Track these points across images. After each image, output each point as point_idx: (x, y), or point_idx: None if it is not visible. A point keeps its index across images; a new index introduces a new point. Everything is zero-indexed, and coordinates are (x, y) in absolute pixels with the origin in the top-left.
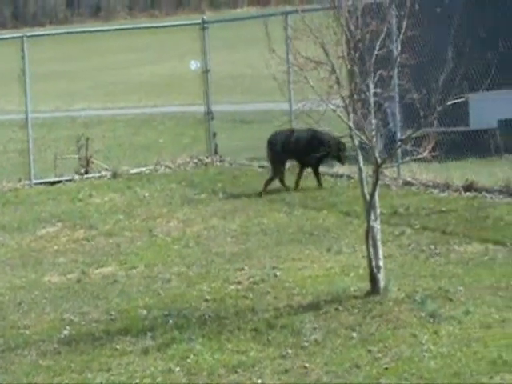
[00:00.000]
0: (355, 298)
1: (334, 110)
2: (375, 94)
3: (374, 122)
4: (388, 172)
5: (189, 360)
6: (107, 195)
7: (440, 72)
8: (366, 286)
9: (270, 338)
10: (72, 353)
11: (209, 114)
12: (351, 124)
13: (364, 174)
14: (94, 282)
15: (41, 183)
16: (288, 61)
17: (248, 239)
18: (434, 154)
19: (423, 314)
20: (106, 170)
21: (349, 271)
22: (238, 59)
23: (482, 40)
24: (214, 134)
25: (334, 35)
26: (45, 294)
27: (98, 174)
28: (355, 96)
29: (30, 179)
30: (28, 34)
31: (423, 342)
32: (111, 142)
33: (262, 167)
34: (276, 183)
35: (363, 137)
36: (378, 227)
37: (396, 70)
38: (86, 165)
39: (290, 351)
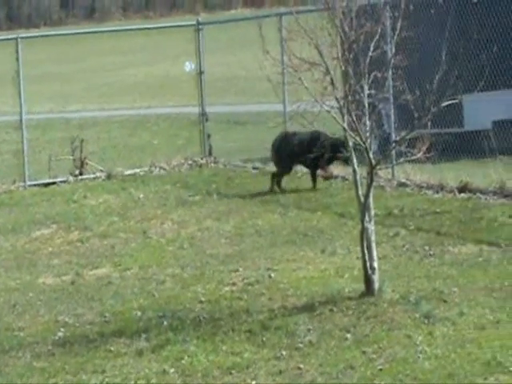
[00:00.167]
0: (350, 299)
1: (328, 112)
2: (369, 96)
3: (368, 123)
4: (382, 173)
5: (183, 361)
6: (102, 197)
7: (434, 73)
8: (360, 287)
9: (264, 339)
10: (66, 355)
11: (203, 116)
12: (345, 125)
13: (358, 176)
14: (88, 284)
15: (35, 185)
16: (282, 62)
17: (242, 240)
18: (428, 155)
19: (417, 315)
20: (101, 171)
21: (343, 272)
22: (232, 60)
23: (476, 41)
24: (209, 136)
25: (329, 36)
26: (39, 296)
27: (92, 176)
28: (349, 97)
29: (24, 181)
30: (22, 35)
31: (417, 343)
32: (106, 144)
33: (256, 168)
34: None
35: (357, 138)
36: (373, 228)
37: (390, 72)
38: (81, 166)
39: (284, 352)
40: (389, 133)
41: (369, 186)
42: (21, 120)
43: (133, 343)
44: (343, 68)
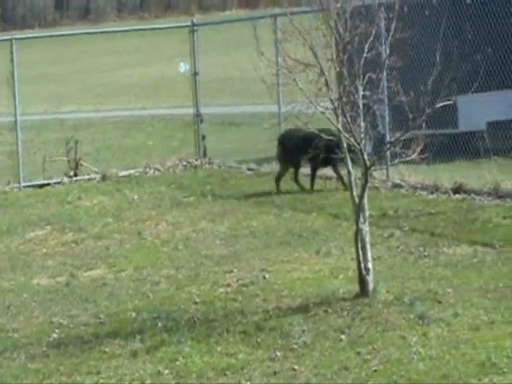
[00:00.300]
0: (344, 300)
1: (322, 113)
2: (364, 97)
3: (362, 124)
4: (377, 174)
5: (178, 363)
6: (96, 198)
7: (429, 74)
8: (354, 288)
9: (259, 340)
10: (61, 356)
11: (198, 117)
12: (340, 126)
13: (353, 177)
14: (82, 285)
15: (29, 186)
16: (277, 63)
17: (237, 242)
18: (422, 156)
19: (412, 316)
20: (95, 172)
21: (338, 273)
22: (227, 62)
23: (470, 42)
24: (203, 137)
25: (323, 38)
26: (34, 297)
27: (87, 177)
28: (344, 98)
29: (18, 182)
30: (17, 36)
31: (412, 344)
32: (100, 145)
33: (251, 170)
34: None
35: (352, 139)
36: (367, 229)
37: (385, 73)
38: (75, 167)
39: (278, 353)
40: (383, 134)
41: (363, 187)
42: (15, 121)
43: (127, 344)
44: (338, 69)
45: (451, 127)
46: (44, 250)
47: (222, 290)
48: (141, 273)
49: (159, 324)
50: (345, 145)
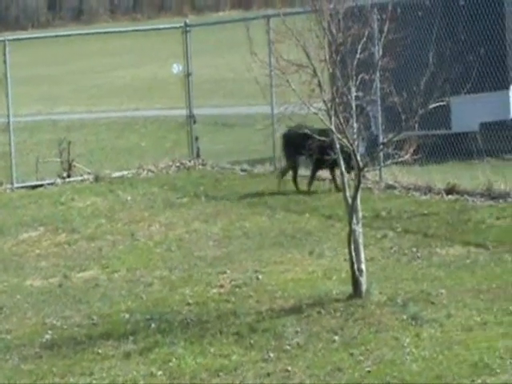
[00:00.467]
0: (337, 301)
1: (315, 114)
2: (357, 98)
3: (355, 125)
4: (370, 175)
5: (171, 364)
6: (89, 199)
7: (422, 75)
8: (348, 289)
9: (252, 341)
10: (54, 357)
11: (191, 118)
12: (333, 127)
13: (346, 178)
14: (75, 286)
15: (22, 187)
16: (270, 64)
17: (230, 243)
18: (415, 157)
19: (405, 317)
20: (88, 173)
21: (331, 274)
22: (220, 62)
23: (463, 43)
24: (196, 138)
25: (316, 38)
26: (27, 299)
27: (80, 178)
28: (337, 99)
29: (11, 183)
30: (10, 37)
31: (405, 344)
32: (93, 146)
33: (244, 171)
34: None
35: (345, 140)
36: (360, 230)
37: (378, 74)
38: (68, 168)
39: (272, 355)
40: (376, 135)
41: (356, 188)
42: (8, 122)
43: (120, 345)
44: (331, 70)
45: (444, 128)
46: (37, 251)
47: (215, 291)
48: (134, 274)
49: (152, 325)
50: (337, 146)
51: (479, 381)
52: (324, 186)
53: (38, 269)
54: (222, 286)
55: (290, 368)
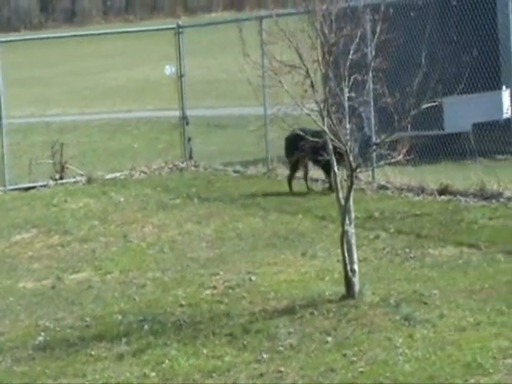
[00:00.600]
0: (330, 302)
1: (308, 115)
2: (350, 98)
3: (348, 126)
4: (363, 176)
5: (164, 365)
6: (82, 201)
7: (414, 76)
8: (341, 290)
9: (245, 342)
10: (47, 359)
11: (184, 119)
12: (326, 128)
13: (339, 179)
14: (68, 288)
15: (15, 189)
16: (263, 65)
17: (223, 244)
18: (408, 157)
19: (398, 318)
20: (81, 175)
21: (324, 275)
22: (212, 64)
23: (456, 43)
24: (189, 139)
25: (309, 39)
26: (19, 301)
27: (72, 180)
28: (330, 100)
29: (4, 185)
30: (2, 39)
31: (398, 345)
32: (86, 148)
33: (237, 172)
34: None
35: (337, 141)
36: (353, 231)
37: (370, 74)
38: (61, 170)
39: (265, 356)
40: (369, 135)
41: (349, 189)
42: (1, 124)
43: (113, 347)
44: (323, 71)
45: (437, 129)
46: (30, 253)
47: (208, 292)
48: (127, 275)
49: (145, 327)
50: (330, 147)
51: (472, 381)
52: (316, 187)
53: (30, 271)
54: (214, 288)
55: (282, 369)
